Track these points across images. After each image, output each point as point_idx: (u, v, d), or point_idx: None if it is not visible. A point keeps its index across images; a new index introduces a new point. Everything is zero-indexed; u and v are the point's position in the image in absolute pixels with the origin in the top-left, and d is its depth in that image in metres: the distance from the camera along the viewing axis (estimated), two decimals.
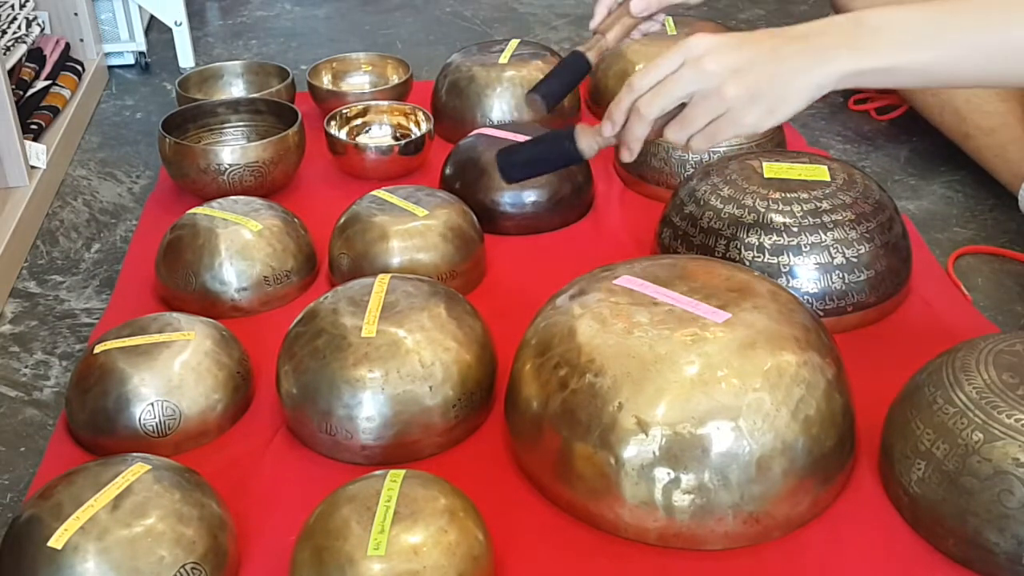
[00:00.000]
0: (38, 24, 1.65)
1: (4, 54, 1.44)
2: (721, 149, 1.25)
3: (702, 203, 1.08)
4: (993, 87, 0.86)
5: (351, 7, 2.22)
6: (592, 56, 1.09)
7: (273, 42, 2.02)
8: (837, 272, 1.02)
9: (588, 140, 0.92)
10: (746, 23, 2.04)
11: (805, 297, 1.02)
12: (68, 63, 1.68)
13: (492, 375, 0.93)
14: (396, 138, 1.46)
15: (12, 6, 1.57)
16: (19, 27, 1.56)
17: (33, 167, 1.36)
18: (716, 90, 0.81)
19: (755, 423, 0.76)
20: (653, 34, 1.18)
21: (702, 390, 0.77)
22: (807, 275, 1.02)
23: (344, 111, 1.45)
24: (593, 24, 1.11)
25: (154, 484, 0.74)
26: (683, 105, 0.84)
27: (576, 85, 1.10)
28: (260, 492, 0.86)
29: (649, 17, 1.12)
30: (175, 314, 0.97)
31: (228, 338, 0.96)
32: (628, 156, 0.88)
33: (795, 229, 1.02)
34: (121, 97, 1.77)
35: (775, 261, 1.02)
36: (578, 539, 0.81)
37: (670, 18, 1.55)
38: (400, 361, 0.86)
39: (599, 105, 1.54)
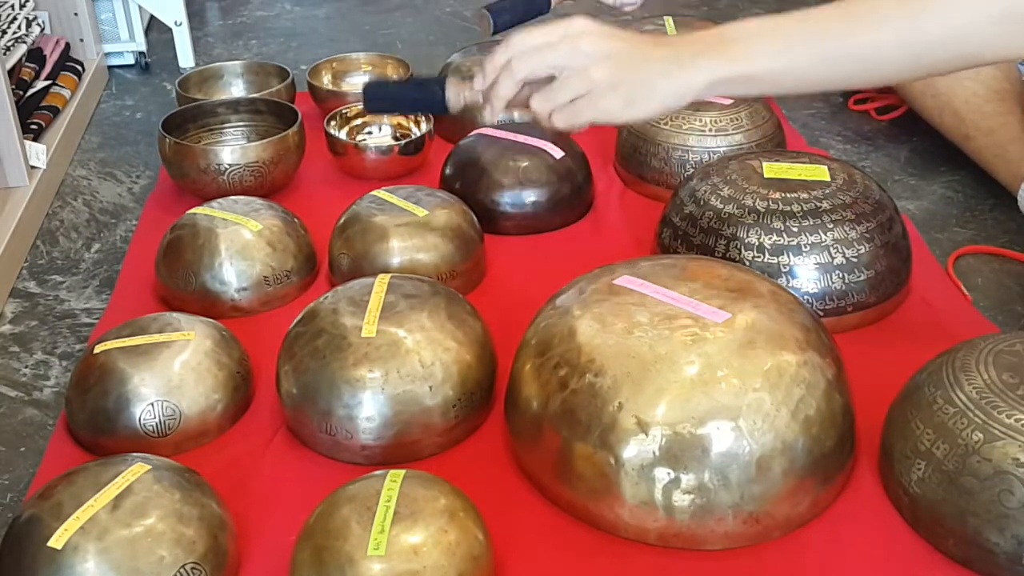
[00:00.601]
0: (38, 24, 1.65)
1: (4, 54, 1.44)
2: (721, 149, 1.25)
3: (702, 203, 1.08)
4: (843, 89, 0.96)
5: (351, 7, 2.22)
6: None
7: (273, 42, 2.02)
8: (837, 272, 1.02)
9: (456, 91, 0.95)
10: None
11: (805, 297, 1.02)
12: (68, 63, 1.68)
13: (492, 375, 0.93)
14: (396, 138, 1.46)
15: (12, 6, 1.57)
16: (19, 27, 1.56)
17: (33, 167, 1.36)
18: (584, 69, 0.85)
19: (755, 423, 0.76)
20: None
21: (702, 390, 0.77)
22: (807, 275, 1.02)
23: (344, 111, 1.45)
24: None
25: (154, 484, 0.74)
26: (552, 80, 0.87)
27: (528, 19, 1.09)
28: (260, 492, 0.86)
29: None
30: (175, 314, 0.97)
31: (228, 338, 0.96)
32: (490, 115, 0.91)
33: (795, 229, 1.02)
34: (121, 97, 1.77)
35: (775, 261, 1.02)
36: (578, 539, 0.81)
37: (670, 18, 1.56)
38: (400, 361, 0.86)
39: None
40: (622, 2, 1.14)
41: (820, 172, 1.09)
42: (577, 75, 0.85)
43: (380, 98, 1.02)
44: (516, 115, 0.98)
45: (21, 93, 1.49)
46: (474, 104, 0.95)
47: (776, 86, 0.87)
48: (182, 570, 0.72)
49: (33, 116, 1.48)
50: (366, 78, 1.63)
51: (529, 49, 0.87)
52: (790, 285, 1.01)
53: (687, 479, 0.76)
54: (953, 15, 0.80)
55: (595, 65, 0.85)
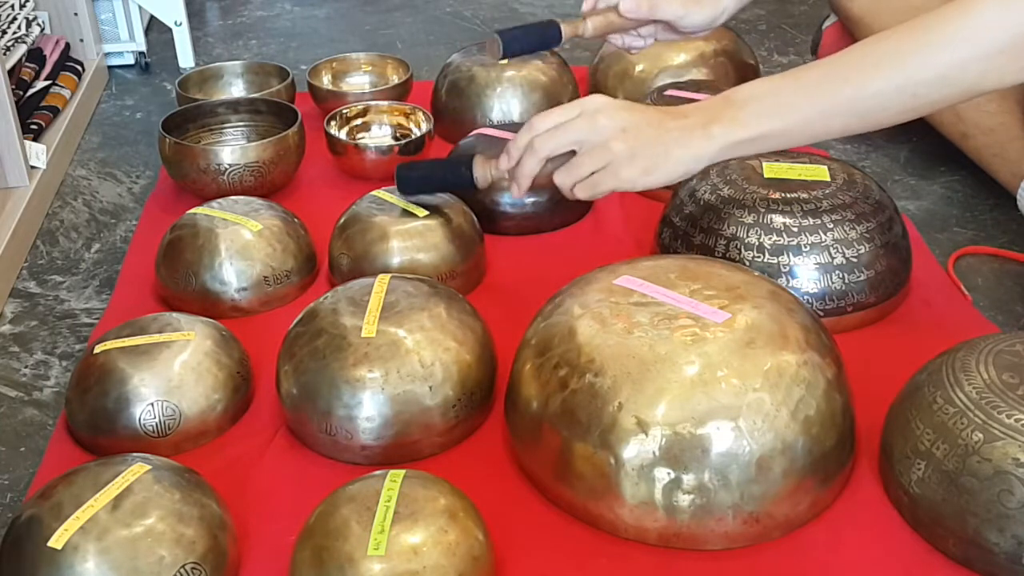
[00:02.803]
0: (38, 24, 1.65)
1: (4, 54, 1.44)
2: None
3: (702, 203, 1.08)
4: (848, 135, 1.01)
5: (351, 7, 2.22)
6: (566, 31, 1.08)
7: (273, 42, 2.02)
8: (837, 272, 1.02)
9: (483, 170, 1.04)
10: (746, 23, 2.04)
11: (805, 297, 1.02)
12: (68, 63, 1.68)
13: (492, 375, 0.93)
14: (396, 138, 1.46)
15: (12, 6, 1.57)
16: (19, 27, 1.56)
17: (33, 167, 1.36)
18: (604, 143, 0.92)
19: (755, 423, 0.76)
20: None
21: (702, 390, 0.77)
22: (807, 275, 1.02)
23: (344, 111, 1.45)
24: (584, 7, 1.11)
25: (154, 484, 0.74)
26: (573, 154, 0.94)
27: (539, 49, 1.10)
28: (260, 492, 0.86)
29: (637, 26, 1.11)
30: (175, 314, 0.97)
31: (228, 338, 0.96)
32: (517, 192, 0.99)
33: (795, 229, 1.02)
34: (121, 97, 1.77)
35: (775, 261, 1.02)
36: (578, 539, 0.81)
37: None
38: (400, 361, 0.86)
39: None
40: (629, 44, 1.14)
41: (820, 172, 1.09)
42: (596, 149, 0.92)
43: (411, 180, 1.10)
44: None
45: (21, 93, 1.49)
46: (500, 181, 1.04)
47: (787, 142, 0.92)
48: (182, 570, 0.72)
49: (33, 116, 1.48)
50: (366, 78, 1.63)
51: (550, 128, 0.94)
52: (790, 285, 1.01)
53: (687, 479, 0.76)
54: (946, 54, 0.83)
55: (613, 139, 0.91)
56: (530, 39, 1.08)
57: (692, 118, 0.91)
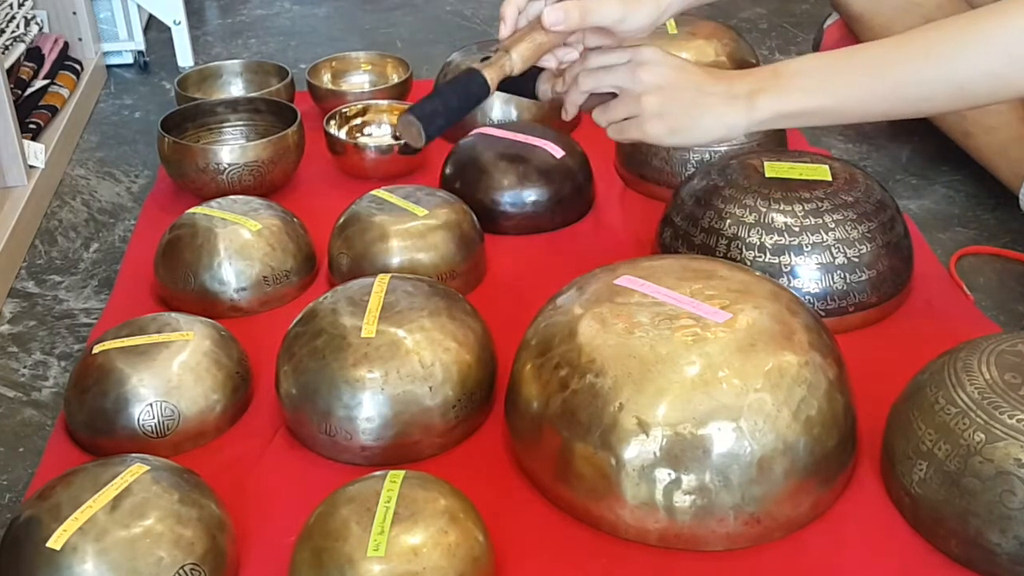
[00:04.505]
0: (36, 23, 1.65)
1: (3, 53, 1.44)
2: (723, 148, 1.24)
3: (703, 203, 1.08)
4: (891, 119, 1.03)
5: (351, 6, 2.22)
6: (491, 76, 0.90)
7: (272, 41, 2.02)
8: (839, 272, 1.02)
9: (548, 85, 1.02)
10: (747, 22, 2.04)
11: (806, 297, 1.01)
12: (67, 62, 1.68)
13: (492, 375, 0.93)
14: (396, 138, 1.46)
15: (10, 5, 1.56)
16: (18, 26, 1.55)
17: (31, 166, 1.36)
18: (637, 96, 0.94)
19: (756, 423, 0.76)
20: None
21: (703, 390, 0.76)
22: (808, 275, 1.02)
23: (344, 110, 1.45)
24: (502, 33, 0.93)
25: (153, 485, 0.74)
26: (614, 95, 0.97)
27: (466, 112, 0.92)
28: (259, 493, 0.86)
29: (565, 37, 0.95)
30: (174, 314, 0.97)
31: (227, 338, 0.96)
32: (565, 115, 1.01)
33: (796, 229, 1.02)
34: (120, 96, 1.77)
35: (776, 261, 1.02)
36: (578, 540, 0.80)
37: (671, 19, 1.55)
38: (400, 361, 0.86)
39: None
40: (562, 58, 0.98)
41: (822, 172, 1.09)
42: (630, 99, 0.95)
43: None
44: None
45: (19, 92, 1.49)
46: (558, 100, 1.02)
47: (828, 119, 0.94)
48: (181, 571, 0.71)
49: (31, 115, 1.48)
50: (366, 77, 1.63)
51: (596, 68, 0.96)
52: (791, 285, 1.01)
53: (688, 480, 0.76)
54: (995, 51, 0.84)
55: (647, 94, 0.94)
56: (452, 105, 0.90)
57: (737, 86, 0.93)
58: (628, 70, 0.95)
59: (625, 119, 0.96)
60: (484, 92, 0.90)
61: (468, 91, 0.90)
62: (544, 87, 1.03)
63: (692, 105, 0.93)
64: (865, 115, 0.93)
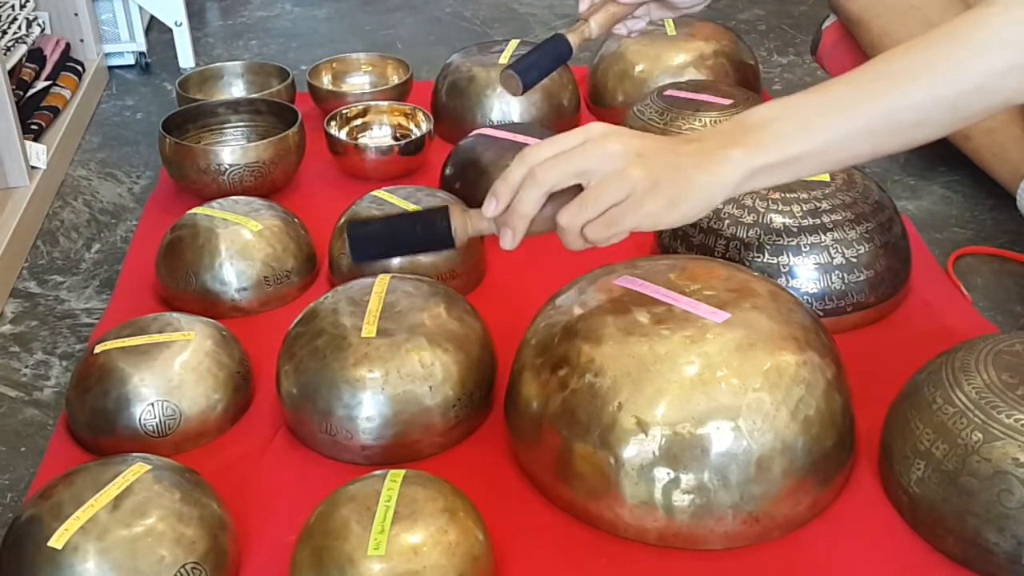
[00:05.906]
0: (38, 24, 1.65)
1: (4, 54, 1.44)
2: None
3: None
4: (888, 154, 0.88)
5: (351, 7, 2.22)
6: (574, 40, 1.05)
7: (273, 42, 2.02)
8: (837, 272, 1.02)
9: (461, 220, 0.81)
10: (746, 23, 2.04)
11: (805, 297, 1.02)
12: (68, 63, 1.68)
13: (492, 375, 0.93)
14: (396, 138, 1.46)
15: (12, 6, 1.57)
16: (19, 27, 1.56)
17: (33, 167, 1.36)
18: (620, 171, 0.75)
19: (755, 423, 0.76)
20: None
21: (702, 390, 0.77)
22: (807, 275, 1.02)
23: (344, 111, 1.45)
24: (581, 8, 1.08)
25: (154, 484, 0.75)
26: (577, 191, 0.77)
27: (554, 68, 1.06)
28: (260, 492, 0.86)
29: (634, 8, 1.09)
30: (175, 314, 0.97)
31: (228, 338, 0.96)
32: (510, 241, 0.79)
33: (795, 229, 1.02)
34: (121, 97, 1.77)
35: (775, 261, 1.02)
36: (578, 539, 0.81)
37: (670, 19, 1.55)
38: (400, 361, 0.86)
39: (599, 105, 1.54)
40: (631, 29, 1.13)
41: None
42: (612, 179, 0.76)
43: (369, 241, 0.83)
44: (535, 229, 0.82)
45: (21, 93, 1.49)
46: (483, 233, 0.82)
47: (814, 167, 0.80)
48: (182, 570, 0.72)
49: (33, 116, 1.48)
50: (366, 78, 1.63)
51: (551, 157, 0.77)
52: (790, 285, 1.02)
53: (687, 479, 0.76)
54: (987, 61, 0.77)
55: (631, 165, 0.75)
56: (544, 63, 1.05)
57: (705, 142, 0.78)
58: (594, 147, 0.76)
59: (612, 207, 0.76)
60: (568, 53, 1.05)
61: (556, 51, 1.04)
62: (459, 223, 0.81)
63: (679, 166, 0.76)
64: (851, 157, 0.81)
